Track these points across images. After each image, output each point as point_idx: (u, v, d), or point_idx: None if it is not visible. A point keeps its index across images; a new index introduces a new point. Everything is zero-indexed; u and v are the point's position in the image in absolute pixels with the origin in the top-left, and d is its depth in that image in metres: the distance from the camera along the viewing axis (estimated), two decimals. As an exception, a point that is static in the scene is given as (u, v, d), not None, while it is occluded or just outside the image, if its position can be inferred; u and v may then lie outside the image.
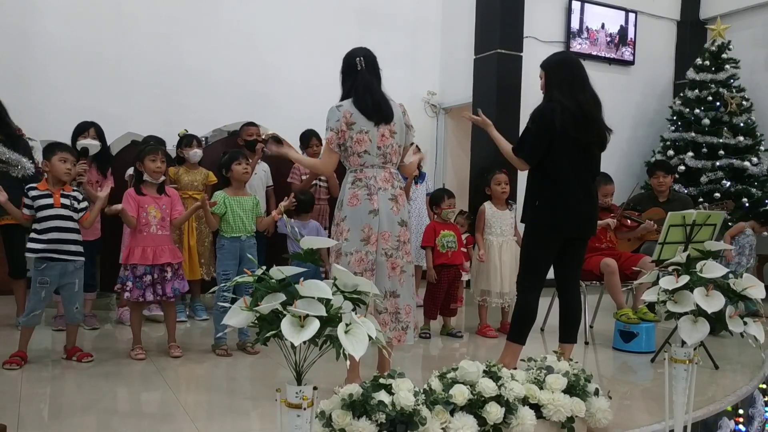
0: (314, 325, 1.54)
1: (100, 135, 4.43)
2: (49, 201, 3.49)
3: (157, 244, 3.68)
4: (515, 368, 3.12)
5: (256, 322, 1.63)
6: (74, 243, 3.55)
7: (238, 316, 1.65)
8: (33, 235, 3.49)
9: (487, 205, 4.63)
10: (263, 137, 4.91)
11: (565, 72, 3.30)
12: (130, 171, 4.53)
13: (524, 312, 3.34)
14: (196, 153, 4.80)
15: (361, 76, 3.15)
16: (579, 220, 3.26)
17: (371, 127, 3.09)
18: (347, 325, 1.60)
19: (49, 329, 4.30)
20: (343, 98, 3.18)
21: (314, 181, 4.99)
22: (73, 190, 3.63)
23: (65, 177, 3.55)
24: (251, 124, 5.25)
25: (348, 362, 1.61)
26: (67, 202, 3.54)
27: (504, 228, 4.61)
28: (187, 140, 4.85)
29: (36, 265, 3.48)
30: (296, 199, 4.68)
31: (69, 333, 3.64)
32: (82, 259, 3.61)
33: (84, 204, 3.64)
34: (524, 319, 3.34)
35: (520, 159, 3.29)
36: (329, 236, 3.73)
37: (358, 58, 3.17)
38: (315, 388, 1.71)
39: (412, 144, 3.43)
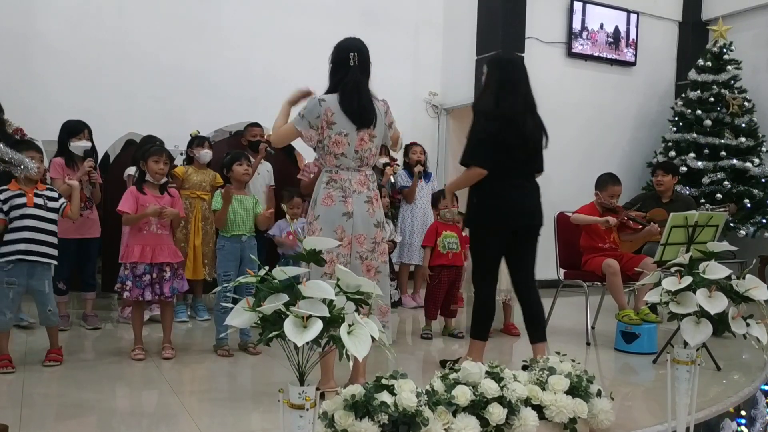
0: (317, 326, 1.54)
1: (91, 137, 4.44)
2: (22, 200, 3.37)
3: (157, 243, 3.68)
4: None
5: (258, 322, 1.63)
6: (47, 244, 3.41)
7: (241, 317, 1.65)
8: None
9: None
10: (266, 138, 4.93)
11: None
12: (129, 171, 4.54)
13: (480, 309, 3.44)
14: (206, 153, 4.83)
15: (351, 74, 3.03)
16: (514, 212, 3.32)
17: (351, 130, 3.01)
18: (350, 325, 1.60)
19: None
20: (329, 91, 3.08)
21: None
22: (47, 189, 3.53)
23: (36, 176, 3.42)
24: (255, 125, 5.27)
25: (351, 362, 1.60)
26: (40, 201, 3.42)
27: None
28: (198, 141, 4.90)
29: (1, 265, 3.32)
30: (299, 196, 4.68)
31: (50, 335, 3.55)
32: (54, 261, 3.46)
33: (61, 201, 3.54)
34: (480, 315, 3.44)
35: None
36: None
37: (351, 54, 3.05)
38: (318, 389, 1.71)
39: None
